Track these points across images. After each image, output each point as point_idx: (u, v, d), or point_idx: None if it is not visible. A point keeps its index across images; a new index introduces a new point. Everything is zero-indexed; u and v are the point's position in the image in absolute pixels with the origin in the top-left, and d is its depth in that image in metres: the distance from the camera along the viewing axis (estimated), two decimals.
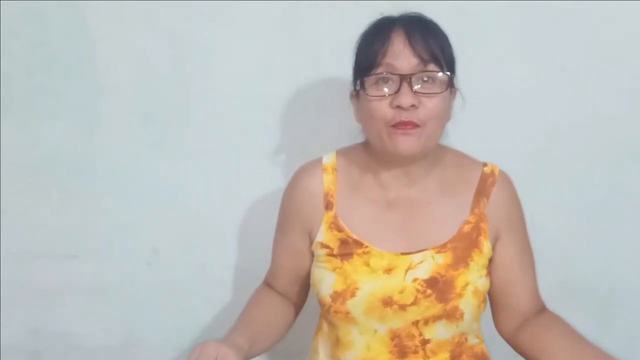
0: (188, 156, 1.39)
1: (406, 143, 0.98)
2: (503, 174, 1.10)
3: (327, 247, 1.07)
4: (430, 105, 0.98)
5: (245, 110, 1.37)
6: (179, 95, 1.37)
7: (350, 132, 1.12)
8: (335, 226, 1.07)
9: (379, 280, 1.03)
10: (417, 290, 1.02)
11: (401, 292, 1.03)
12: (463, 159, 1.11)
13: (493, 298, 1.10)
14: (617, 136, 1.36)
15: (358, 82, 1.01)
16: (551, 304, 1.11)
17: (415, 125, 0.97)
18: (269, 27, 1.34)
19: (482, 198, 1.07)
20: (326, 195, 1.09)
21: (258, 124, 1.37)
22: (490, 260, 1.08)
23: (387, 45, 0.97)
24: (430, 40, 0.98)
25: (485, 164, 1.10)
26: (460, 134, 1.13)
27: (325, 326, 1.13)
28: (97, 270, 1.43)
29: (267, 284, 1.20)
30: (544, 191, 1.36)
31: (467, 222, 1.06)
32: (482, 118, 1.29)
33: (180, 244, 1.42)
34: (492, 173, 1.08)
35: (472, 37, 1.28)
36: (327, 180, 1.09)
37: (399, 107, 0.96)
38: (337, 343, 1.09)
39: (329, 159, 1.11)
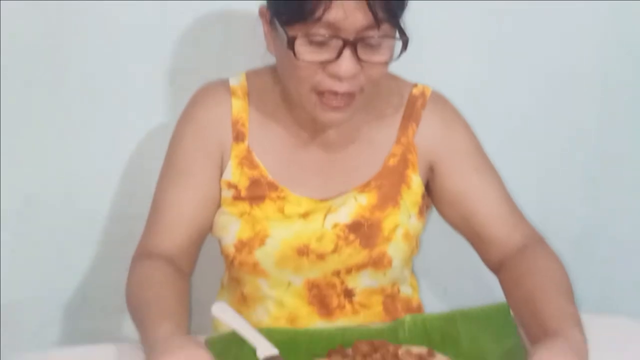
0: (64, 84, 1.16)
1: (335, 118, 0.84)
2: (437, 95, 0.96)
3: (234, 187, 0.91)
4: (372, 72, 0.81)
5: (136, 32, 1.16)
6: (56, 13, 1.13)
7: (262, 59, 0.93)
8: (248, 162, 0.91)
9: (293, 226, 0.90)
10: (338, 237, 0.90)
11: (319, 239, 0.90)
12: (390, 82, 0.94)
13: (467, 237, 0.96)
14: None
15: (284, 33, 0.79)
16: None
17: (351, 96, 0.81)
18: None
19: (410, 124, 0.93)
20: (235, 123, 0.91)
21: (152, 49, 1.17)
22: (442, 200, 0.95)
23: None
24: None
25: (415, 85, 0.95)
26: None
27: (227, 284, 0.99)
28: None
29: (147, 253, 0.91)
30: None
31: (392, 154, 0.93)
32: None
33: (57, 191, 1.21)
34: (423, 94, 0.94)
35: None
36: (237, 106, 0.91)
37: (334, 75, 0.79)
38: (243, 301, 0.95)
39: (237, 82, 0.93)
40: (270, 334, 0.80)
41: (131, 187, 1.23)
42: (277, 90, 0.92)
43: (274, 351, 0.78)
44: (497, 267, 0.93)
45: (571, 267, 1.21)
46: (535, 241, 0.91)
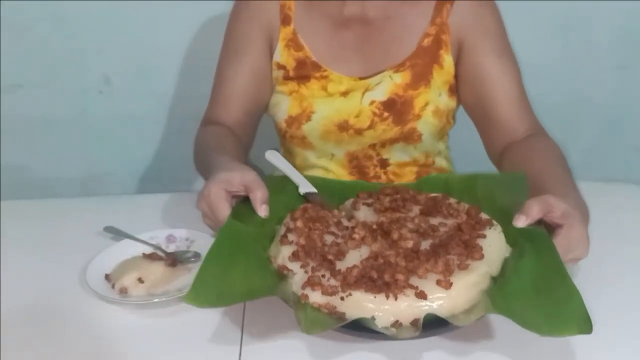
0: None
1: None
2: None
3: (283, 68, 1.00)
4: None
5: None
6: None
7: None
8: (294, 44, 0.99)
9: (335, 103, 0.99)
10: (374, 114, 0.98)
11: (357, 115, 0.98)
12: None
13: (476, 121, 1.00)
14: None
15: None
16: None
17: None
18: None
19: (444, 5, 0.97)
20: (283, 7, 0.99)
21: None
22: (462, 78, 0.98)
23: None
24: None
25: None
26: None
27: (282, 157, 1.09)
28: (46, 101, 1.35)
29: (209, 122, 1.03)
30: None
31: (426, 34, 0.98)
32: None
33: (132, 71, 1.34)
34: None
35: None
36: None
37: None
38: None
39: None
40: (311, 179, 0.91)
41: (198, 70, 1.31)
42: None
43: (313, 189, 0.89)
44: (499, 155, 0.96)
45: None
46: (539, 132, 0.95)
